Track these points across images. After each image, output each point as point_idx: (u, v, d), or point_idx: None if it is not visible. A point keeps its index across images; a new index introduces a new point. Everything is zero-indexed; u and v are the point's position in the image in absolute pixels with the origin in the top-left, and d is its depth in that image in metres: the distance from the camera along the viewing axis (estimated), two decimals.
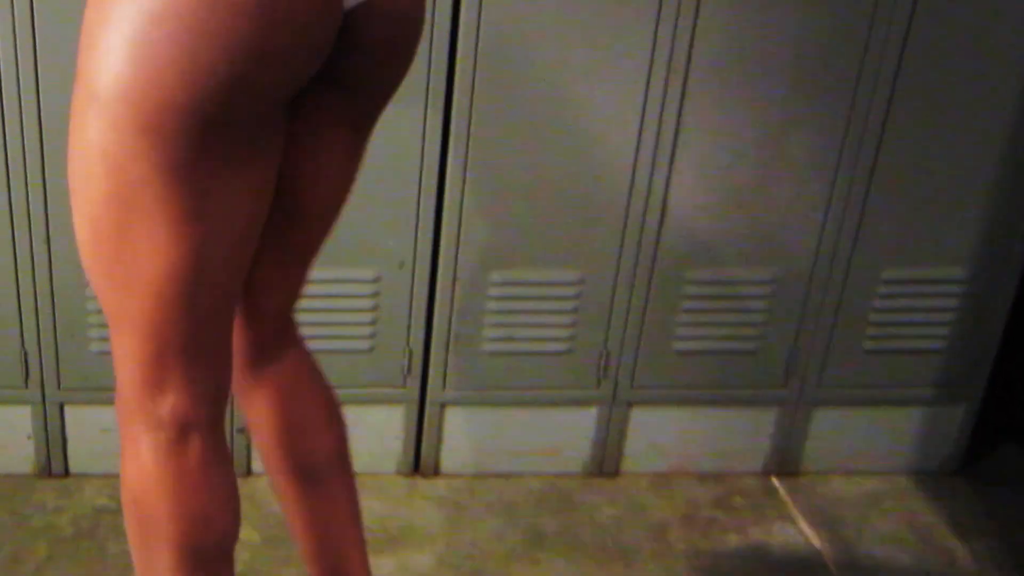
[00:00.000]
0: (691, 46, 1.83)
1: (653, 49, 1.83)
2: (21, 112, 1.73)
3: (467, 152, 1.87)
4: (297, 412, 1.22)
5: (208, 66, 0.76)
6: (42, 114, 1.73)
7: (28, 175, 1.79)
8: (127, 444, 1.02)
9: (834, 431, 2.21)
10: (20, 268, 1.86)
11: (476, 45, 1.79)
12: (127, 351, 0.97)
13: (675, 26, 1.81)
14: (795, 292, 2.07)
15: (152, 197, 0.82)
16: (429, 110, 1.83)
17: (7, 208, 1.81)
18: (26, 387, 1.97)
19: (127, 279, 0.90)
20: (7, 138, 1.76)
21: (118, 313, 0.95)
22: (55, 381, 1.97)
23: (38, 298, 1.89)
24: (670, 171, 1.94)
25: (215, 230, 0.89)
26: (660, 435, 2.18)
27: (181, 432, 1.00)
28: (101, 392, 1.87)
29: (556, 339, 2.05)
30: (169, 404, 0.98)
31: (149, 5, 0.75)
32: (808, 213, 2.00)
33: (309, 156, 1.02)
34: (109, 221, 0.86)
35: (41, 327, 1.92)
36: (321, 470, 1.25)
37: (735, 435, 2.20)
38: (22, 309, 1.90)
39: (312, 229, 1.11)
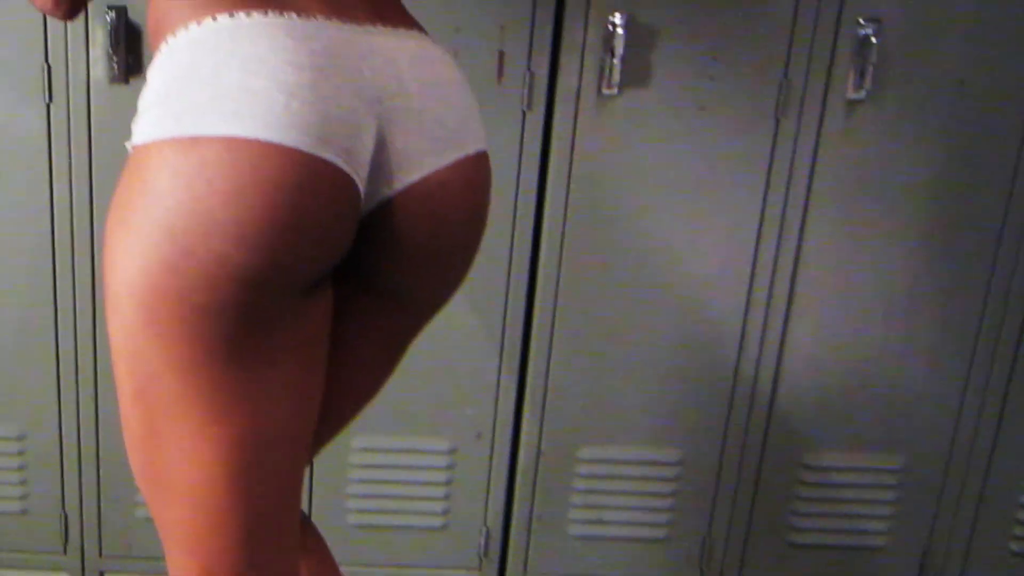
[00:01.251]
0: (807, 199, 1.65)
1: (764, 200, 1.65)
2: (74, 272, 1.65)
3: (554, 314, 1.71)
4: None
5: (209, 259, 0.73)
6: (95, 275, 1.65)
7: (78, 330, 1.69)
8: None
9: None
10: (64, 426, 1.74)
11: (566, 196, 1.65)
12: (178, 567, 0.86)
13: (789, 176, 1.64)
14: (929, 481, 1.81)
15: (172, 398, 0.78)
16: (513, 268, 1.68)
17: (54, 364, 1.70)
18: (65, 553, 1.82)
19: (165, 486, 0.83)
20: (58, 298, 1.67)
21: (162, 523, 0.86)
22: (96, 548, 1.82)
23: (82, 458, 1.75)
24: (783, 337, 1.73)
25: (247, 431, 0.80)
26: None
27: None
28: (145, 561, 1.75)
29: (653, 524, 1.83)
30: None
31: (154, 205, 0.73)
32: (943, 393, 1.75)
33: (334, 360, 0.92)
34: (138, 423, 0.82)
35: (84, 489, 1.77)
36: None
37: None
38: (64, 469, 1.76)
39: (326, 424, 0.98)
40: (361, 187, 0.79)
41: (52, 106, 1.59)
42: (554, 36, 1.59)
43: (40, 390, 1.72)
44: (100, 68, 1.57)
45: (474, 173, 0.86)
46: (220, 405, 0.78)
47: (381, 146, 0.79)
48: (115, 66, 1.55)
